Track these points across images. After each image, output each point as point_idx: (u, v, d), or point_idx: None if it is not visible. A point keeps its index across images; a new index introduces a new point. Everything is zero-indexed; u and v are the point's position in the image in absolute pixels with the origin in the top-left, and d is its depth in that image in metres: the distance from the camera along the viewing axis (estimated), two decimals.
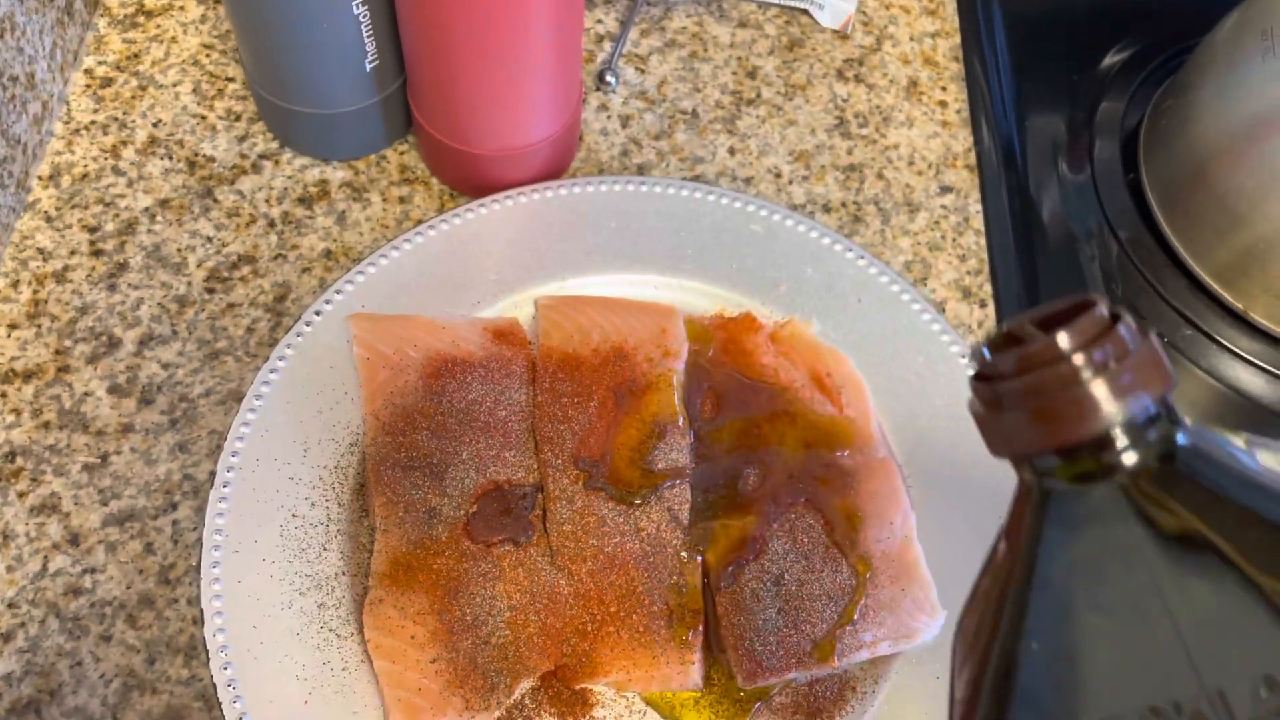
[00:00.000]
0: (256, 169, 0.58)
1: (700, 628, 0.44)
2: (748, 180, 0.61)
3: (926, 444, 0.51)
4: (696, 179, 0.60)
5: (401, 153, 0.60)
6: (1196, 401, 0.58)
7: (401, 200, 0.58)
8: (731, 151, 0.62)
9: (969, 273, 0.59)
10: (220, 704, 0.42)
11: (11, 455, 0.49)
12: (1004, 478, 0.48)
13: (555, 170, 0.59)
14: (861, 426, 0.49)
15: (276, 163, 0.59)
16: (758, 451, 0.48)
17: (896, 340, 0.53)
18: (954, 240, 0.60)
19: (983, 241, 0.60)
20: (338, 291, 0.52)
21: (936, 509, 0.49)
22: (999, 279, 0.59)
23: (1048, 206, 0.62)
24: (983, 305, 0.58)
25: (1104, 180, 0.64)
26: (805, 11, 0.68)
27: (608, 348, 0.51)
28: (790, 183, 0.61)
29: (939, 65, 0.67)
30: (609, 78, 0.64)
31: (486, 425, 0.48)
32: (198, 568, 0.47)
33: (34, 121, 0.56)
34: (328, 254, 0.56)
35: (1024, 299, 0.59)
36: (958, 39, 0.69)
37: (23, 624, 0.46)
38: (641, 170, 0.61)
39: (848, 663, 0.45)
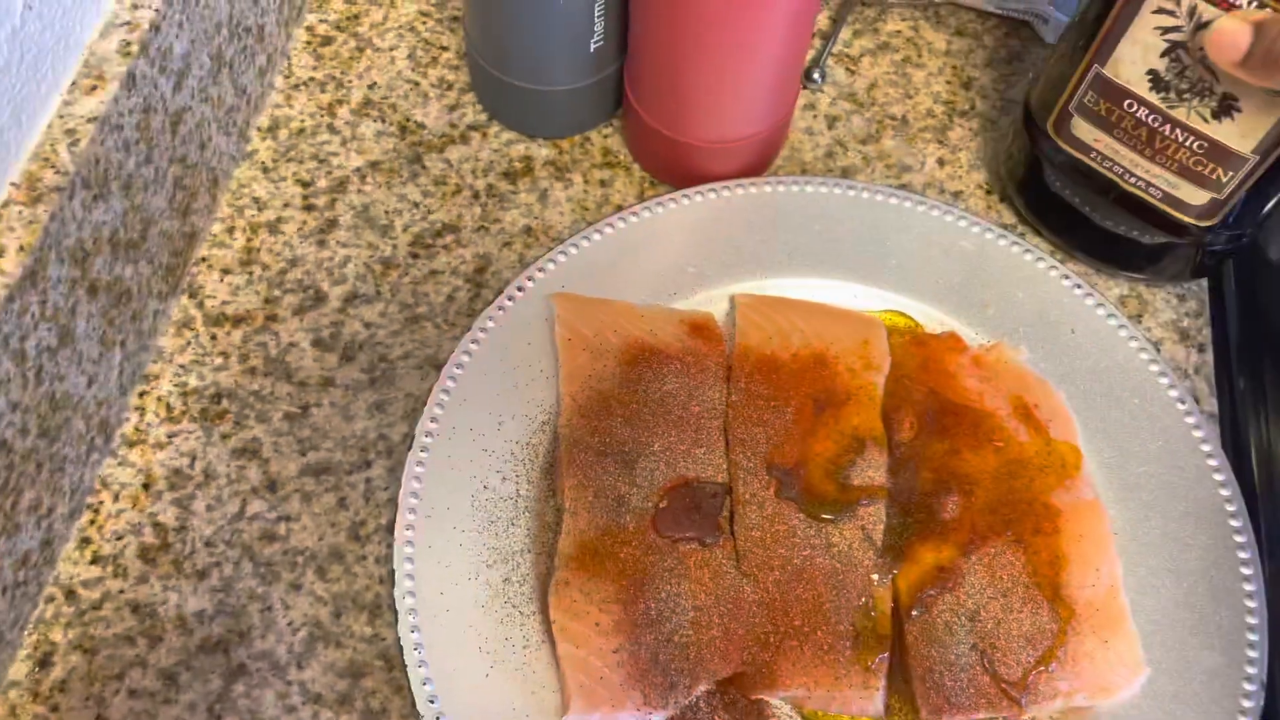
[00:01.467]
0: (465, 139, 0.59)
1: (886, 654, 0.43)
2: (956, 194, 0.59)
3: (1135, 492, 0.48)
4: (903, 188, 0.58)
5: (605, 136, 0.59)
6: None
7: (603, 183, 0.58)
8: (941, 163, 0.60)
9: (1188, 314, 0.56)
10: (404, 666, 0.42)
11: (218, 397, 0.50)
12: (1216, 541, 0.45)
13: (758, 167, 0.58)
14: (1070, 464, 0.47)
15: (484, 135, 0.59)
16: (959, 478, 0.46)
17: (1110, 377, 0.51)
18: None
19: (1204, 282, 0.57)
20: (540, 269, 0.52)
21: (1141, 563, 0.46)
22: (1220, 323, 0.55)
23: (1275, 250, 0.58)
24: (1201, 350, 0.55)
25: None
26: (1028, 24, 0.65)
27: (808, 353, 0.49)
28: (1001, 200, 0.59)
29: None
30: (816, 76, 0.62)
31: (680, 419, 0.48)
32: (388, 528, 0.47)
33: (259, 73, 0.58)
34: (528, 230, 0.56)
35: (1244, 346, 0.55)
36: None
37: (218, 563, 0.47)
38: (845, 174, 0.60)
39: (1040, 710, 0.42)
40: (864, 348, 0.50)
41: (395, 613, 0.44)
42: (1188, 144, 0.48)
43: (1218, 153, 0.47)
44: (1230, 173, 0.48)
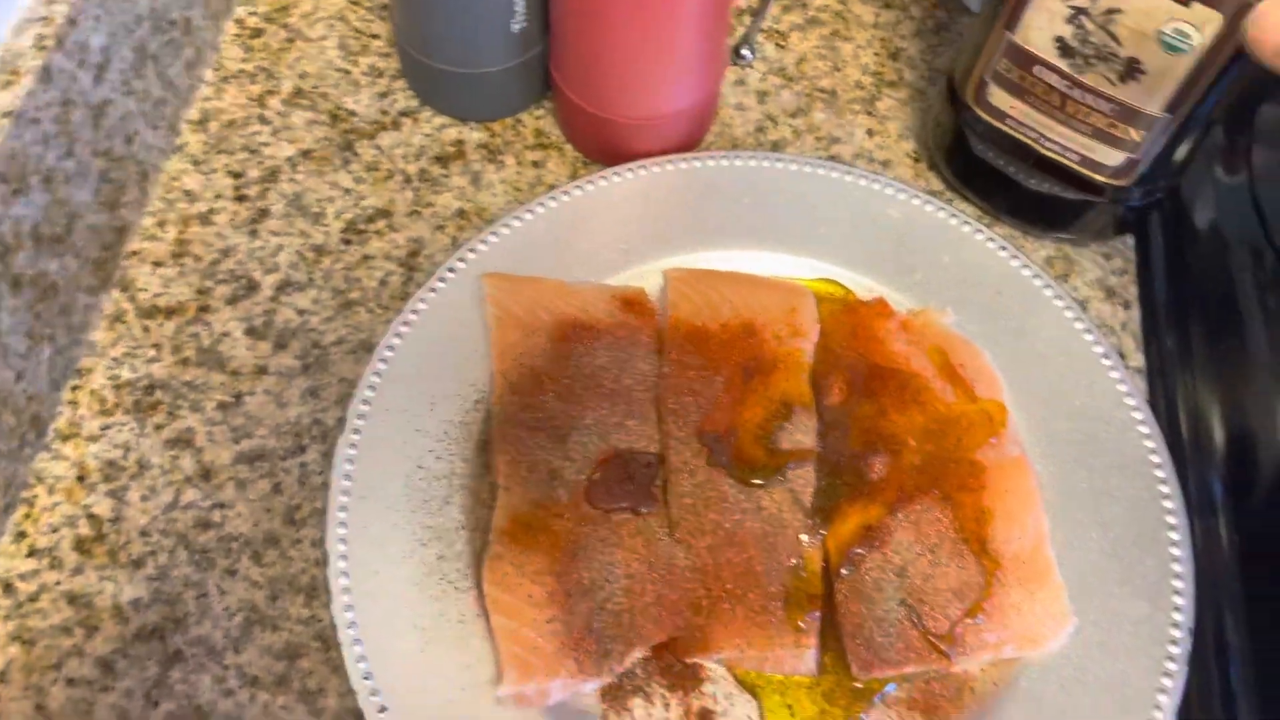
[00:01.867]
0: (396, 125, 0.59)
1: (818, 613, 0.44)
2: (885, 164, 0.60)
3: (1061, 447, 0.49)
4: (832, 159, 0.59)
5: (537, 118, 0.60)
6: None
7: (535, 164, 0.58)
8: (870, 133, 0.61)
9: (1114, 272, 0.57)
10: (340, 645, 0.43)
11: (151, 389, 0.50)
12: (1141, 493, 0.46)
13: (689, 143, 0.58)
14: (995, 421, 0.48)
15: (415, 120, 0.59)
16: (886, 439, 0.47)
17: (1036, 335, 0.51)
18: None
19: (1130, 240, 0.58)
20: (471, 250, 0.52)
21: (1067, 516, 0.47)
22: (1146, 281, 0.56)
23: (1200, 210, 0.59)
24: (1126, 307, 0.56)
25: (1263, 185, 0.61)
26: None
27: (737, 323, 0.50)
28: (930, 168, 0.60)
29: None
30: (745, 52, 0.63)
31: (611, 392, 0.48)
32: (323, 511, 0.48)
33: (187, 66, 0.58)
34: (461, 213, 0.56)
35: (1171, 303, 0.56)
36: None
37: (153, 552, 0.47)
38: (776, 147, 0.60)
39: (969, 662, 0.43)
40: (791, 315, 0.50)
41: (330, 594, 0.44)
42: (1098, 107, 0.48)
43: (1127, 113, 0.48)
44: (1142, 132, 0.48)
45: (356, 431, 0.47)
